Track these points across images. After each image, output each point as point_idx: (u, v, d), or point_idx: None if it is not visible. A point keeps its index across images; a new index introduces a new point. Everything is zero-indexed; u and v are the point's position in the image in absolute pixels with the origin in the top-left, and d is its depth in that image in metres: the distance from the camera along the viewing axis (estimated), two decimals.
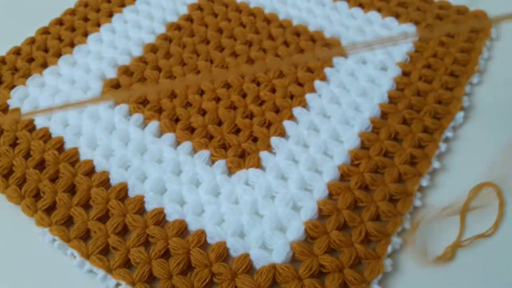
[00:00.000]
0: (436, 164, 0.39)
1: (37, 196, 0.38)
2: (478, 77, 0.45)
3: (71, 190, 0.39)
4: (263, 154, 0.40)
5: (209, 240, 0.35)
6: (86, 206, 0.37)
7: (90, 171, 0.40)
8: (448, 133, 0.41)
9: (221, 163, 0.39)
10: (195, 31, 0.51)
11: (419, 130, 0.40)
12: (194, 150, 0.40)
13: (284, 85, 0.45)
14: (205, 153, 0.40)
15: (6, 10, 0.56)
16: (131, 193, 0.38)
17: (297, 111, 0.42)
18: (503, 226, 0.35)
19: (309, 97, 0.43)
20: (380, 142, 0.40)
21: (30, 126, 0.43)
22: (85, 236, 0.36)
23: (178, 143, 0.41)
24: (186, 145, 0.40)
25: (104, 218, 0.37)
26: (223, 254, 0.34)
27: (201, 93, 0.45)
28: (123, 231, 0.36)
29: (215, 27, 0.51)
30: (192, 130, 0.42)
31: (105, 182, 0.39)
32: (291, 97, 0.44)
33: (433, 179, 0.38)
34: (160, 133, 0.42)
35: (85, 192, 0.38)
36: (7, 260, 0.36)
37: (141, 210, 0.37)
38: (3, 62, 0.50)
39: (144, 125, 0.43)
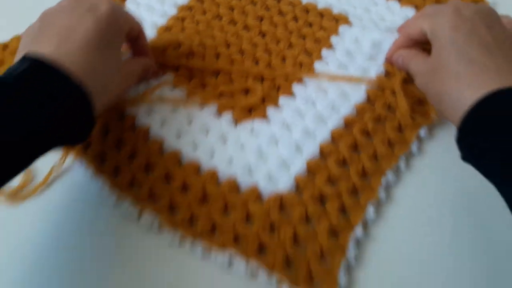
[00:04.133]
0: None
1: None
2: None
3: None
4: (270, 109, 0.43)
5: (221, 178, 0.38)
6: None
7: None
8: None
9: (228, 115, 0.43)
10: (206, 10, 0.54)
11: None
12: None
13: (294, 55, 0.48)
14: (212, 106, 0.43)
15: (6, 10, 0.57)
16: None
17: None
18: None
19: (317, 65, 0.47)
20: (384, 98, 0.43)
21: None
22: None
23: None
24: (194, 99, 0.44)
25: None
26: (234, 187, 0.37)
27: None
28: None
29: (227, 5, 0.54)
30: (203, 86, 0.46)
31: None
32: (301, 65, 0.48)
33: (431, 130, 0.41)
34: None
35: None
36: (7, 259, 0.36)
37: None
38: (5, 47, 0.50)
39: None
